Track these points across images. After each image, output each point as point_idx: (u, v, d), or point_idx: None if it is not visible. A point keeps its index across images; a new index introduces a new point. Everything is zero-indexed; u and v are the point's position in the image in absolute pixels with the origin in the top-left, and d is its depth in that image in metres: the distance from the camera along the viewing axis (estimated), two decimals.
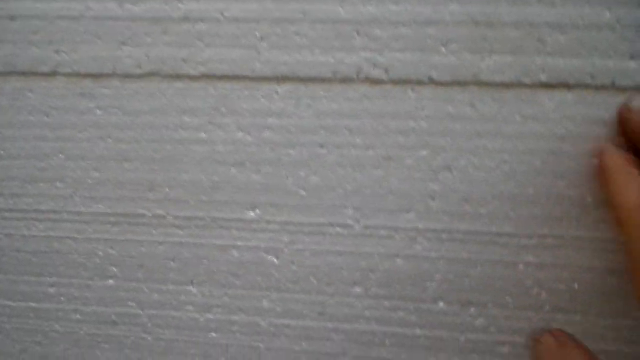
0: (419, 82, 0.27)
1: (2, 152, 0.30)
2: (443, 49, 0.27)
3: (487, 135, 0.27)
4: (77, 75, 0.29)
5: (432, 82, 0.27)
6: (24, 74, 0.29)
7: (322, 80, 0.28)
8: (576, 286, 0.28)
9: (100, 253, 0.31)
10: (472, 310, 0.29)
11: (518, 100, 0.27)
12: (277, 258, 0.29)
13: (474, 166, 0.27)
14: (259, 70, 0.28)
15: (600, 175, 0.26)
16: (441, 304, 0.29)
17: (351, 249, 0.29)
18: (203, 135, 0.29)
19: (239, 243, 0.30)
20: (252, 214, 0.29)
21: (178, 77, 0.28)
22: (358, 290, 0.29)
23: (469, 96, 0.27)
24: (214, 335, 0.31)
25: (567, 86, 0.26)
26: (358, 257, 0.29)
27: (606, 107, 0.26)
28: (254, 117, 0.28)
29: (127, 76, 0.28)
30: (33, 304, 0.32)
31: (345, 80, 0.27)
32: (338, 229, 0.29)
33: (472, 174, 0.27)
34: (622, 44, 0.25)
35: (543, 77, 0.26)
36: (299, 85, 0.28)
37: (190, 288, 0.30)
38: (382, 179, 0.28)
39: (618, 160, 0.25)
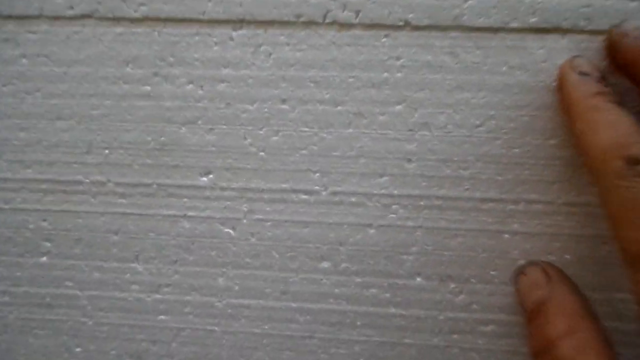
0: (394, 27, 0.24)
1: None
2: None
3: (469, 88, 0.24)
4: None
5: (408, 26, 0.24)
6: None
7: (283, 24, 0.24)
8: (567, 257, 0.25)
9: (31, 226, 0.27)
10: (452, 285, 0.26)
11: (504, 48, 0.23)
12: (234, 229, 0.26)
13: (455, 123, 0.24)
14: (211, 12, 0.24)
15: (565, 111, 0.23)
16: (418, 279, 0.26)
17: (317, 218, 0.26)
18: (147, 88, 0.25)
19: (191, 213, 0.26)
20: (204, 179, 0.26)
21: (116, 19, 0.24)
22: (325, 265, 0.26)
23: (450, 43, 0.24)
24: (163, 317, 0.27)
25: (559, 30, 0.23)
26: (325, 228, 0.26)
27: (602, 53, 0.23)
28: (206, 68, 0.25)
29: (57, 18, 0.24)
30: None
31: (310, 24, 0.24)
32: (302, 196, 0.26)
33: (453, 132, 0.24)
34: None
35: (533, 20, 0.23)
36: (257, 30, 0.24)
37: (136, 265, 0.27)
38: (352, 139, 0.25)
39: (585, 91, 0.21)
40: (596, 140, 0.20)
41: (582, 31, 0.23)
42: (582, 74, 0.22)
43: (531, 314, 0.22)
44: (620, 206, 0.19)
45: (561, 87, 0.22)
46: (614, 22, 0.23)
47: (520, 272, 0.24)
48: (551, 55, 0.23)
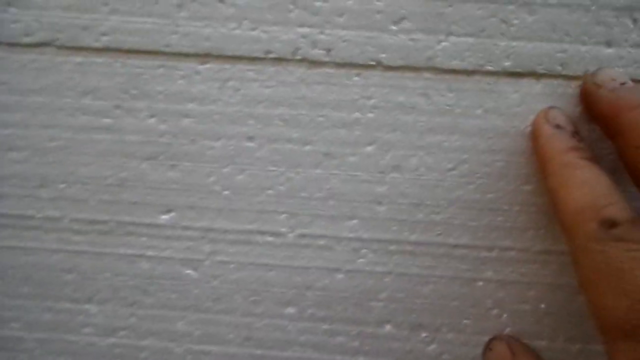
0: (365, 66, 0.23)
1: None
2: (393, 28, 0.23)
3: (442, 131, 0.23)
4: None
5: (380, 65, 0.23)
6: None
7: (251, 59, 0.23)
8: (543, 306, 0.24)
9: None
10: (424, 334, 0.24)
11: (478, 91, 0.23)
12: (196, 271, 0.25)
13: (427, 166, 0.23)
14: (176, 45, 0.23)
15: (539, 164, 0.22)
16: (388, 327, 0.25)
17: (283, 261, 0.24)
18: (108, 121, 0.24)
19: (150, 252, 0.25)
20: (165, 217, 0.24)
21: (76, 49, 0.23)
22: (291, 310, 0.25)
23: (423, 84, 0.23)
24: None
25: (534, 75, 0.23)
26: (291, 272, 0.24)
27: (578, 99, 0.23)
28: (170, 102, 0.24)
29: (13, 45, 0.23)
30: None
31: (279, 60, 0.23)
32: (268, 238, 0.24)
33: (425, 176, 0.24)
34: (597, 27, 0.22)
35: (507, 64, 0.23)
36: (225, 64, 0.23)
37: (90, 306, 0.25)
38: (321, 180, 0.24)
39: (560, 146, 0.21)
40: (569, 199, 0.19)
41: (557, 76, 0.23)
42: (557, 127, 0.21)
43: None
44: (592, 271, 0.18)
45: (535, 139, 0.22)
46: (589, 68, 0.22)
47: (487, 347, 0.24)
48: (526, 99, 0.23)
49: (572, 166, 0.20)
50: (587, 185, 0.19)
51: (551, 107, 0.22)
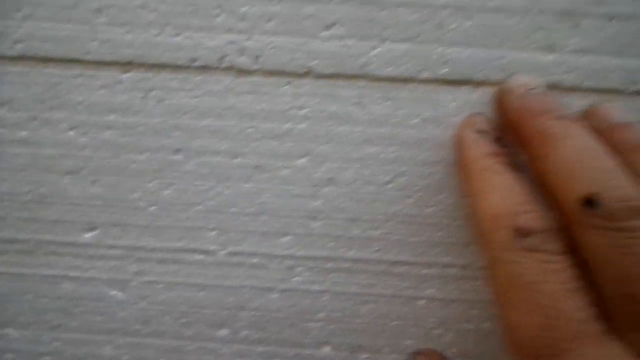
0: (296, 74, 0.22)
1: None
2: (325, 34, 0.21)
3: (379, 142, 0.22)
4: None
5: (311, 74, 0.22)
6: None
7: (176, 68, 0.22)
8: (486, 325, 0.23)
9: None
10: (364, 356, 0.23)
11: (415, 99, 0.22)
12: (122, 292, 0.23)
13: (364, 179, 0.22)
14: (96, 53, 0.22)
15: (459, 170, 0.21)
16: (326, 349, 0.23)
17: (215, 281, 0.23)
18: (25, 134, 0.22)
19: (73, 273, 0.23)
20: (89, 236, 0.23)
21: None
22: (224, 332, 0.23)
23: (357, 93, 0.22)
24: None
25: (473, 83, 0.22)
26: (224, 292, 0.23)
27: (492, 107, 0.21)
28: (91, 113, 0.22)
29: None
30: None
31: (206, 69, 0.22)
32: (198, 256, 0.23)
33: (362, 189, 0.22)
34: (536, 33, 0.21)
35: (444, 72, 0.21)
36: (148, 73, 0.22)
37: (10, 331, 0.24)
38: (252, 194, 0.22)
39: (481, 150, 0.19)
40: (485, 205, 0.18)
41: (496, 84, 0.21)
42: (480, 132, 0.20)
43: None
44: (505, 284, 0.17)
45: (458, 145, 0.21)
46: (530, 74, 0.21)
47: None
48: (464, 108, 0.22)
49: (491, 171, 0.19)
50: (504, 191, 0.18)
51: (475, 113, 0.21)
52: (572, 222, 0.17)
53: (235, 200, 0.23)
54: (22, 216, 0.23)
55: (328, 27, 0.21)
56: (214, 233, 0.23)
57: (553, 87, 0.21)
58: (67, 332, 0.23)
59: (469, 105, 0.22)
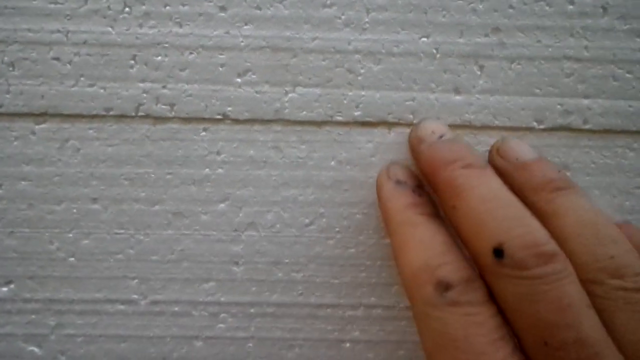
0: (212, 120, 0.22)
1: None
2: (238, 80, 0.22)
3: (297, 185, 0.22)
4: None
5: (227, 119, 0.22)
6: None
7: (91, 117, 0.22)
8: None
9: None
10: None
11: (331, 141, 0.22)
12: (40, 347, 0.22)
13: (284, 222, 0.22)
14: (9, 105, 0.22)
15: (383, 223, 0.21)
16: None
17: (137, 331, 0.22)
18: None
19: None
20: (4, 289, 0.22)
21: None
22: None
23: (273, 137, 0.22)
24: None
25: (386, 124, 0.22)
26: (146, 342, 0.22)
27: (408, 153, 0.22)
28: (5, 165, 0.22)
29: None
30: None
31: (122, 117, 0.22)
32: (119, 306, 0.22)
33: (282, 232, 0.22)
34: (444, 75, 0.22)
35: (357, 114, 0.22)
36: (63, 123, 0.22)
37: None
38: (172, 241, 0.22)
39: (399, 202, 0.19)
40: (406, 261, 0.18)
41: (409, 124, 0.22)
42: (398, 182, 0.20)
43: None
44: (431, 341, 0.17)
45: (378, 197, 0.21)
46: (440, 115, 0.22)
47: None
48: (379, 149, 0.22)
49: (409, 224, 0.19)
50: (422, 244, 0.18)
51: (392, 163, 0.21)
52: (485, 272, 0.17)
53: (155, 248, 0.22)
54: None
55: (241, 74, 0.22)
56: (134, 282, 0.22)
57: (464, 126, 0.22)
58: None
59: (384, 145, 0.22)
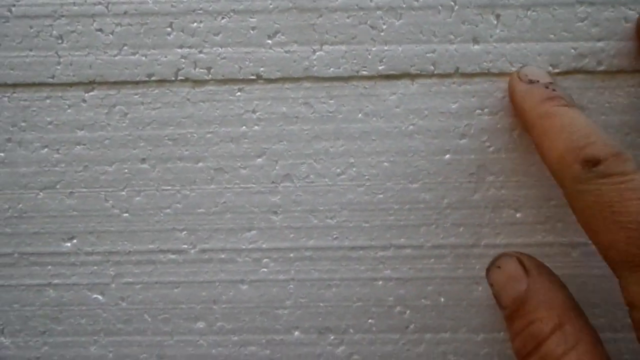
0: (246, 80, 0.24)
1: None
2: (269, 42, 0.23)
3: (327, 137, 0.24)
4: None
5: (260, 79, 0.24)
6: None
7: (135, 83, 0.24)
8: (442, 300, 0.24)
9: None
10: (332, 337, 0.25)
11: (357, 95, 0.24)
12: (103, 295, 0.25)
13: (317, 173, 0.24)
14: (61, 76, 0.24)
15: (520, 121, 0.22)
16: (296, 333, 0.25)
17: (188, 277, 0.25)
18: (1, 155, 0.24)
19: (56, 280, 0.25)
20: (68, 244, 0.25)
21: None
22: (200, 325, 0.25)
23: (303, 93, 0.24)
24: None
25: (409, 76, 0.23)
26: (197, 287, 0.25)
27: (452, 96, 0.23)
28: (61, 131, 0.24)
29: None
30: None
31: (163, 82, 0.24)
32: (171, 256, 0.25)
33: (316, 182, 0.24)
34: (462, 26, 0.23)
35: (381, 68, 0.23)
36: (109, 90, 0.24)
37: (1, 339, 0.25)
38: (215, 194, 0.24)
39: (535, 98, 0.21)
40: (551, 147, 0.19)
41: (430, 75, 0.23)
42: (530, 82, 0.22)
43: (512, 313, 0.20)
44: (586, 212, 0.18)
45: (511, 98, 0.22)
46: (459, 65, 0.23)
47: (493, 265, 0.22)
48: (403, 100, 0.23)
49: (549, 115, 0.20)
50: (565, 130, 0.19)
51: (523, 66, 0.23)
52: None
53: (200, 201, 0.24)
54: (3, 231, 0.25)
55: (271, 36, 0.23)
56: (183, 233, 0.25)
57: (483, 74, 0.23)
58: (54, 336, 0.25)
59: (407, 96, 0.23)
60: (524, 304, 0.20)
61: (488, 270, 0.22)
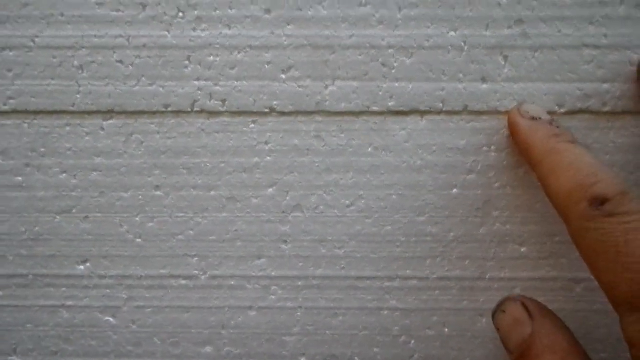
0: (260, 113, 0.24)
1: None
2: (282, 76, 0.24)
3: (337, 170, 0.24)
4: None
5: (273, 112, 0.24)
6: None
7: (152, 113, 0.24)
8: (446, 331, 0.25)
9: None
10: None
11: (367, 130, 0.24)
12: (114, 317, 0.26)
13: (327, 204, 0.25)
14: (80, 104, 0.24)
15: (524, 157, 0.23)
16: None
17: (198, 303, 0.25)
18: (19, 179, 0.25)
19: (69, 302, 0.25)
20: (82, 268, 0.25)
21: None
22: (209, 349, 0.26)
23: (315, 127, 0.24)
24: None
25: (418, 112, 0.24)
26: (206, 312, 0.25)
27: (460, 133, 0.24)
28: (79, 158, 0.25)
29: None
30: None
31: (179, 113, 0.24)
32: (182, 281, 0.25)
33: (325, 213, 0.25)
34: (471, 66, 0.24)
35: (392, 104, 0.24)
36: (127, 119, 0.24)
37: (14, 358, 0.26)
38: (227, 222, 0.25)
39: (541, 135, 0.21)
40: (558, 184, 0.19)
41: (439, 112, 0.24)
42: (532, 119, 0.22)
43: (519, 358, 0.21)
44: (591, 250, 0.19)
45: (515, 135, 0.23)
46: (468, 103, 0.24)
47: (498, 309, 0.22)
48: (412, 136, 0.24)
49: (555, 152, 0.20)
50: (572, 167, 0.19)
51: (522, 102, 0.23)
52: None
53: (212, 229, 0.25)
54: (20, 253, 0.25)
55: (285, 71, 0.24)
56: (195, 259, 0.25)
57: (491, 112, 0.24)
58: (65, 356, 0.26)
59: (416, 132, 0.24)
60: (530, 348, 0.20)
61: (494, 314, 0.22)
